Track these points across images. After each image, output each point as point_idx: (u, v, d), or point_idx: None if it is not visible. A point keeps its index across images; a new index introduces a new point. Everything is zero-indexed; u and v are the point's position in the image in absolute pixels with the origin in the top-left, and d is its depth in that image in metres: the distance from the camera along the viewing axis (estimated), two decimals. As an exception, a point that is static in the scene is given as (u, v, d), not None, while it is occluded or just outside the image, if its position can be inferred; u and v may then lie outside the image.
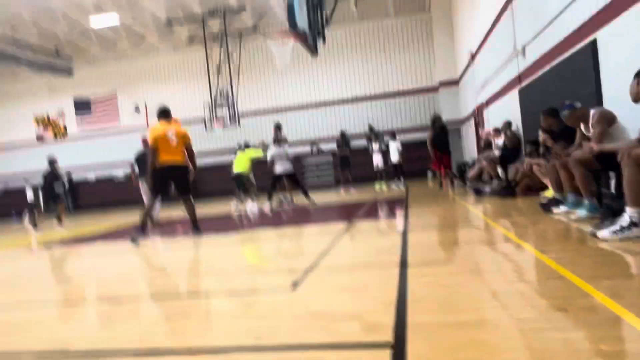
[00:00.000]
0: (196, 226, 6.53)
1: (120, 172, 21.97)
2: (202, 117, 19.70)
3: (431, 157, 12.19)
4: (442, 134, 12.01)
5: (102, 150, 22.36)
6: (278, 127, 11.69)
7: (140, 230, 6.37)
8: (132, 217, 12.84)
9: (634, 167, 3.35)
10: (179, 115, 21.27)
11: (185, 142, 6.57)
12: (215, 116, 18.19)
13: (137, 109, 22.04)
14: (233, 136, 20.76)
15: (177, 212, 12.78)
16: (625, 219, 3.37)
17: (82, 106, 22.49)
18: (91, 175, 22.48)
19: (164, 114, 6.73)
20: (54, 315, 3.06)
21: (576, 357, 1.56)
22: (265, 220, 8.17)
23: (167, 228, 8.69)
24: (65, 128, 22.96)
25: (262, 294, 2.94)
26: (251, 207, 11.22)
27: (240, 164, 11.67)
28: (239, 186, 11.84)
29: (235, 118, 18.30)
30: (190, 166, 6.63)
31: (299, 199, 11.25)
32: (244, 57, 20.69)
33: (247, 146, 12.42)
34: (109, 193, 21.47)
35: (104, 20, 17.65)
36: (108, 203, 20.89)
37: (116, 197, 21.02)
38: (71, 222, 12.88)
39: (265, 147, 11.48)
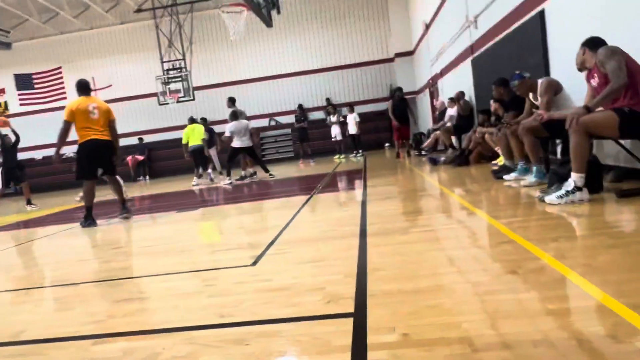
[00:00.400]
0: (125, 206, 6.36)
1: (69, 151, 21.03)
2: (154, 92, 19.00)
3: (393, 128, 12.40)
4: (401, 105, 12.17)
5: (50, 128, 21.27)
6: (232, 101, 11.46)
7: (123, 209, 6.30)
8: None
9: (580, 135, 3.51)
10: (130, 90, 20.71)
11: (108, 117, 6.19)
12: (169, 90, 17.57)
13: (84, 84, 20.98)
14: (188, 111, 20.23)
15: (132, 191, 12.43)
16: (570, 184, 3.55)
17: (24, 82, 21.19)
18: (38, 155, 21.41)
19: (84, 87, 6.32)
20: (2, 302, 2.94)
21: (526, 316, 1.65)
22: (224, 196, 8.08)
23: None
24: (5, 104, 21.63)
25: (223, 271, 2.92)
26: (210, 181, 11.12)
27: (196, 138, 11.48)
28: (197, 160, 11.62)
29: (189, 91, 17.75)
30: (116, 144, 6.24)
31: (260, 172, 11.16)
32: (197, 28, 19.97)
33: (194, 121, 12.22)
34: (59, 172, 20.55)
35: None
36: (57, 183, 20.02)
37: (67, 176, 20.18)
38: (19, 204, 12.30)
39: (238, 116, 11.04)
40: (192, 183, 11.41)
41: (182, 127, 20.18)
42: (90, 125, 6.01)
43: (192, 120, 12.09)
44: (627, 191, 3.56)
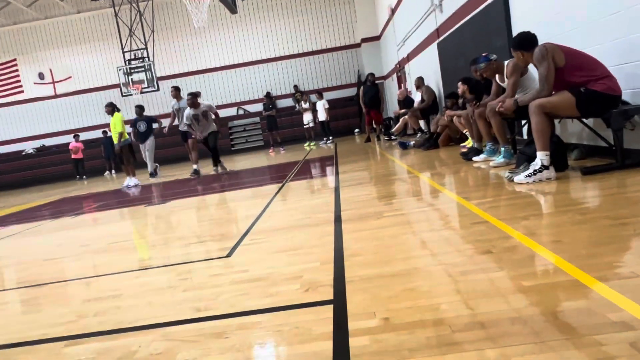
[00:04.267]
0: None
1: (29, 147, 20.25)
2: (117, 83, 18.43)
3: (363, 113, 12.46)
4: (372, 90, 12.21)
5: (6, 124, 20.41)
6: (176, 89, 10.07)
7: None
8: (44, 195, 11.98)
9: (539, 115, 3.60)
10: (91, 81, 20.02)
11: None
12: (132, 81, 17.04)
13: (41, 77, 20.18)
14: (153, 102, 19.74)
15: (106, 185, 12.12)
16: (537, 163, 3.64)
17: (-25, 76, 20.21)
18: (-6, 152, 20.54)
19: None
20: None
21: (501, 295, 1.68)
22: (194, 188, 7.94)
23: (80, 203, 8.22)
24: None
25: (197, 264, 2.87)
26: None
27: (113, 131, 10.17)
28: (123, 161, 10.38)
29: (153, 82, 17.27)
30: None
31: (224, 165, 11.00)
32: (158, 16, 19.43)
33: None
34: (19, 170, 19.77)
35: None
36: (17, 181, 19.27)
37: (27, 174, 19.44)
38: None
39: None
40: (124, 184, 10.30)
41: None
42: None
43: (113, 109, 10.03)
44: (591, 168, 3.68)
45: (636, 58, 3.63)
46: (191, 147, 9.62)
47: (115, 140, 9.77)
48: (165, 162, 17.87)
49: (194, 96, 9.05)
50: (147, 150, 11.32)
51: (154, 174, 11.47)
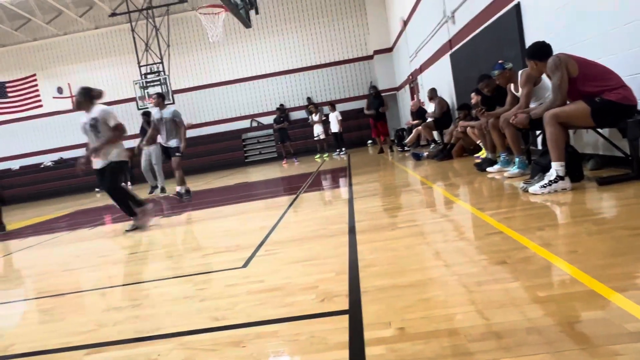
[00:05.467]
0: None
1: (48, 160, 20.65)
2: (133, 96, 18.76)
3: (371, 125, 12.59)
4: (376, 102, 12.30)
5: (26, 137, 20.86)
6: (160, 96, 8.15)
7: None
8: (61, 207, 12.19)
9: (553, 125, 3.60)
10: (108, 95, 20.36)
11: None
12: (148, 94, 17.34)
13: (59, 91, 20.64)
14: (168, 115, 20.02)
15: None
16: (552, 174, 3.62)
17: (-3, 90, 20.74)
18: (15, 165, 20.96)
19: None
20: (-9, 316, 2.88)
21: (516, 305, 1.69)
22: (209, 199, 8.02)
23: (98, 214, 8.35)
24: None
25: (214, 274, 2.91)
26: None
27: None
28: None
29: (168, 95, 17.56)
30: None
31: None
32: (174, 31, 19.80)
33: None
34: (37, 183, 20.14)
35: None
36: (35, 193, 19.62)
37: (45, 187, 19.80)
38: None
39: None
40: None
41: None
42: None
43: None
44: (607, 178, 3.65)
45: (651, 68, 3.62)
46: (175, 166, 7.84)
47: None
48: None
49: (159, 95, 7.85)
50: (155, 163, 10.30)
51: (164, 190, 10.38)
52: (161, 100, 7.83)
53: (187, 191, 8.11)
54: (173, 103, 17.68)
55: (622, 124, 3.53)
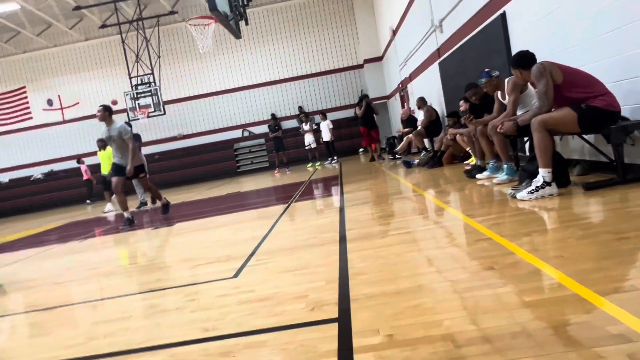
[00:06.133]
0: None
1: (38, 172, 20.49)
2: (124, 108, 18.72)
3: (362, 133, 12.65)
4: (368, 110, 12.40)
5: (16, 150, 20.70)
6: (106, 109, 7.09)
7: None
8: (51, 220, 12.09)
9: (541, 132, 3.66)
10: (98, 106, 20.30)
11: None
12: (139, 105, 17.31)
13: (49, 103, 20.54)
14: (159, 126, 20.02)
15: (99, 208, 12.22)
16: (539, 180, 3.67)
17: (-15, 103, 20.61)
18: (4, 178, 20.77)
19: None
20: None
21: (505, 310, 1.71)
22: (199, 209, 8.00)
23: (88, 226, 8.29)
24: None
25: (205, 285, 2.90)
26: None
27: (105, 165, 10.29)
28: (108, 187, 10.30)
29: (159, 106, 17.55)
30: None
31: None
32: (164, 42, 19.83)
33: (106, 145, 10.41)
34: (27, 195, 19.96)
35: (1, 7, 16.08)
36: (25, 206, 19.44)
37: (35, 199, 19.63)
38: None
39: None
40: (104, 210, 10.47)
41: (156, 142, 20.10)
42: None
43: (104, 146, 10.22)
44: (592, 184, 3.71)
45: (633, 74, 3.69)
46: (114, 187, 7.08)
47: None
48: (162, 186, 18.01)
49: (105, 109, 6.92)
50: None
51: (145, 204, 10.08)
52: (107, 114, 6.89)
53: (130, 220, 7.00)
54: (164, 114, 17.68)
55: (607, 130, 3.59)
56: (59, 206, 18.78)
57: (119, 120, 7.80)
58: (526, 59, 3.96)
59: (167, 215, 7.50)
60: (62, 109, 20.45)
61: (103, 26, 18.32)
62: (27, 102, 20.72)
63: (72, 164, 19.62)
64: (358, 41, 19.76)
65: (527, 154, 5.18)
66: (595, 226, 2.73)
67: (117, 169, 7.03)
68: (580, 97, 3.63)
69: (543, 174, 3.65)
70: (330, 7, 20.03)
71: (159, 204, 8.17)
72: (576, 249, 2.29)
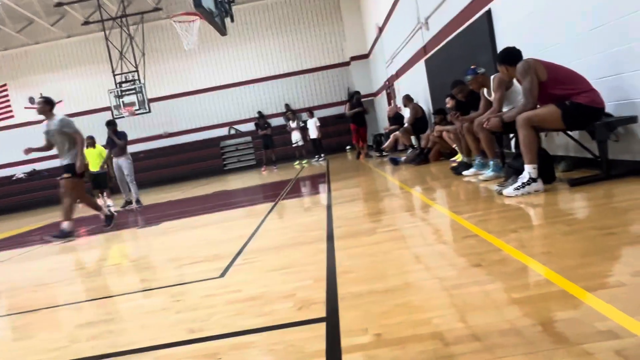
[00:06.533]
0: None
1: (20, 172, 20.12)
2: (108, 105, 18.46)
3: (352, 131, 12.66)
4: (359, 108, 12.40)
5: (-4, 149, 20.32)
6: (47, 102, 6.45)
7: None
8: (34, 220, 11.88)
9: (526, 128, 3.68)
10: (82, 104, 20.03)
11: None
12: (123, 103, 17.07)
13: (31, 101, 20.17)
14: (145, 123, 19.79)
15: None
16: (525, 176, 3.69)
17: (-35, 101, 20.16)
18: (-15, 178, 20.36)
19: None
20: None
21: (493, 307, 1.70)
22: (187, 208, 7.93)
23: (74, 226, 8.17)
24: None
25: (191, 285, 2.86)
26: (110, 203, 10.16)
27: (94, 163, 10.19)
28: (99, 185, 10.48)
29: (144, 103, 17.33)
30: None
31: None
32: (149, 39, 19.59)
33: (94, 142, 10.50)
34: (9, 195, 19.59)
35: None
36: (7, 206, 19.07)
37: (17, 199, 19.28)
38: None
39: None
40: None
41: (141, 141, 19.86)
42: None
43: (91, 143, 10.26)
44: (578, 180, 3.74)
45: (617, 71, 3.73)
46: (63, 191, 6.34)
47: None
48: (142, 186, 17.82)
49: (46, 102, 6.28)
50: (126, 174, 9.49)
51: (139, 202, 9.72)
52: (48, 107, 6.16)
53: (64, 234, 6.16)
54: (149, 111, 17.47)
55: (591, 126, 3.62)
56: (42, 206, 18.47)
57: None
58: (512, 55, 3.98)
59: (60, 240, 6.17)
60: (44, 107, 20.11)
61: (86, 23, 18.03)
62: (9, 100, 20.32)
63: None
64: (344, 38, 19.73)
65: (513, 150, 5.21)
66: (581, 222, 2.75)
67: (65, 169, 6.20)
68: (564, 94, 3.66)
69: (529, 170, 3.67)
70: (316, 4, 19.98)
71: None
72: (562, 245, 2.31)
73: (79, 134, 6.24)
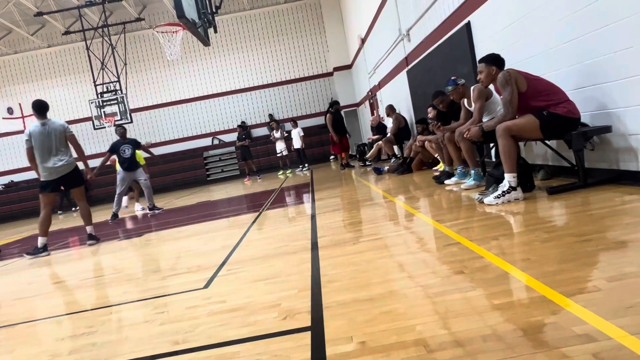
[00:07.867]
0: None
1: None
2: (89, 116, 18.24)
3: (332, 140, 12.65)
4: (340, 118, 12.46)
5: (-28, 160, 19.86)
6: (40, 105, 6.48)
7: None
8: (13, 232, 11.63)
9: (506, 138, 3.76)
10: (63, 115, 19.74)
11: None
12: (104, 113, 16.88)
13: (10, 111, 19.83)
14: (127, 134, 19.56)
15: (73, 221, 11.86)
16: (505, 185, 3.76)
17: (-59, 112, 19.71)
18: (-38, 189, 19.87)
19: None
20: None
21: (475, 313, 1.73)
22: (169, 219, 7.85)
23: (53, 238, 8.02)
24: None
25: (175, 297, 2.84)
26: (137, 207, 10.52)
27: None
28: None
29: (126, 114, 17.16)
30: None
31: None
32: (131, 49, 19.47)
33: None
34: (-14, 207, 19.14)
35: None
36: (-15, 219, 18.63)
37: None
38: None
39: None
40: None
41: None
42: None
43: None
44: (556, 188, 3.83)
45: (592, 82, 3.84)
46: (43, 204, 6.40)
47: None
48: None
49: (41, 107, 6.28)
50: (144, 185, 9.41)
51: (154, 208, 9.49)
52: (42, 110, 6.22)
53: (93, 237, 6.38)
54: (131, 122, 17.30)
55: (568, 135, 3.72)
56: (20, 218, 18.09)
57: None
58: (500, 59, 4.09)
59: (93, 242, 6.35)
60: (23, 117, 19.75)
61: (67, 32, 17.85)
62: (-14, 111, 19.94)
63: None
64: (327, 49, 19.90)
65: (493, 159, 5.31)
66: (559, 229, 2.82)
67: (74, 182, 6.42)
68: (542, 105, 3.76)
69: (509, 178, 3.75)
70: (299, 16, 20.13)
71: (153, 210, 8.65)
72: (542, 252, 2.36)
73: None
